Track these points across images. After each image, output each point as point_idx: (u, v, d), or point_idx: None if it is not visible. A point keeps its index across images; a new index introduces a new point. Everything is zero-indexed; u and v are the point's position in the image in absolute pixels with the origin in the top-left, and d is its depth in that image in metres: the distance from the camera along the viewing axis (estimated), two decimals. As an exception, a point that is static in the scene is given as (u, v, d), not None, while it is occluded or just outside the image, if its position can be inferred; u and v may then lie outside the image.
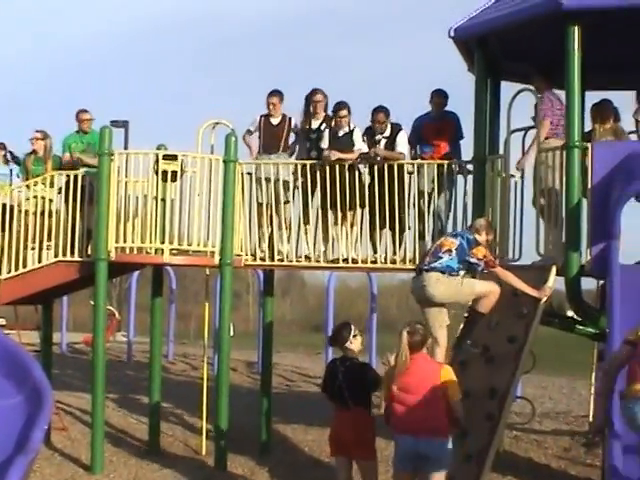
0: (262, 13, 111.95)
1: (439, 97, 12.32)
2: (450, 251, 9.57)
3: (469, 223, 11.09)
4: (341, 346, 8.63)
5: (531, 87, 11.16)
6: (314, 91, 12.59)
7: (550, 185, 10.50)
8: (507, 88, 11.98)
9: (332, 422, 8.67)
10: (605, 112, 11.21)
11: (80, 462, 12.25)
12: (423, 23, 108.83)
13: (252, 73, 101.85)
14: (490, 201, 11.14)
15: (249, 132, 12.88)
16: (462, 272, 9.69)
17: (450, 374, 7.88)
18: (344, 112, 12.16)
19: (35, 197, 12.55)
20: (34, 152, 13.16)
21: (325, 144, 12.20)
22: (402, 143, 12.09)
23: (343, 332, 8.60)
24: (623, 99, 11.69)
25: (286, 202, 12.47)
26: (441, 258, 9.54)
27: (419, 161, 12.05)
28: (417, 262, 10.64)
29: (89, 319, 14.42)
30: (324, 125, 12.45)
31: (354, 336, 8.55)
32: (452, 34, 11.16)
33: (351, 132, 12.16)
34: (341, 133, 12.18)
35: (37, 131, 13.21)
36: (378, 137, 12.18)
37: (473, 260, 9.63)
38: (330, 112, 12.43)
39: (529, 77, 11.46)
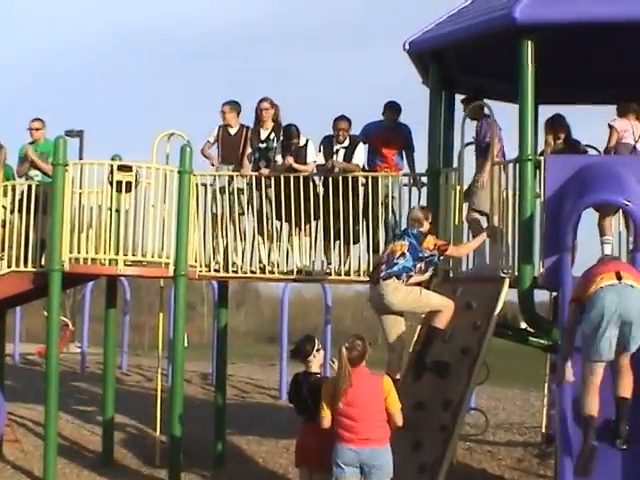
0: (219, 25, 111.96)
1: (392, 112, 12.32)
2: (404, 254, 9.54)
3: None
4: (303, 359, 8.55)
5: (483, 102, 11.22)
6: (261, 100, 12.51)
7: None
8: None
9: (298, 433, 8.64)
10: (558, 126, 11.30)
11: (33, 475, 12.18)
12: (377, 36, 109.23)
13: (208, 84, 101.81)
14: (444, 213, 11.20)
15: (209, 143, 12.76)
16: (419, 268, 9.74)
17: (390, 384, 7.97)
18: (296, 140, 12.16)
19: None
20: None
21: (278, 157, 12.18)
22: (359, 156, 12.08)
23: (307, 346, 8.52)
24: (576, 113, 11.83)
25: (241, 213, 12.45)
26: (397, 264, 9.51)
27: (374, 173, 12.06)
28: (370, 272, 10.61)
29: (42, 330, 14.32)
30: (272, 135, 12.41)
31: (317, 350, 8.50)
32: (407, 47, 11.19)
33: (305, 145, 12.16)
34: (293, 147, 12.17)
35: None
36: (337, 147, 12.13)
37: (427, 254, 9.68)
38: (281, 129, 12.33)
39: (480, 95, 11.51)
